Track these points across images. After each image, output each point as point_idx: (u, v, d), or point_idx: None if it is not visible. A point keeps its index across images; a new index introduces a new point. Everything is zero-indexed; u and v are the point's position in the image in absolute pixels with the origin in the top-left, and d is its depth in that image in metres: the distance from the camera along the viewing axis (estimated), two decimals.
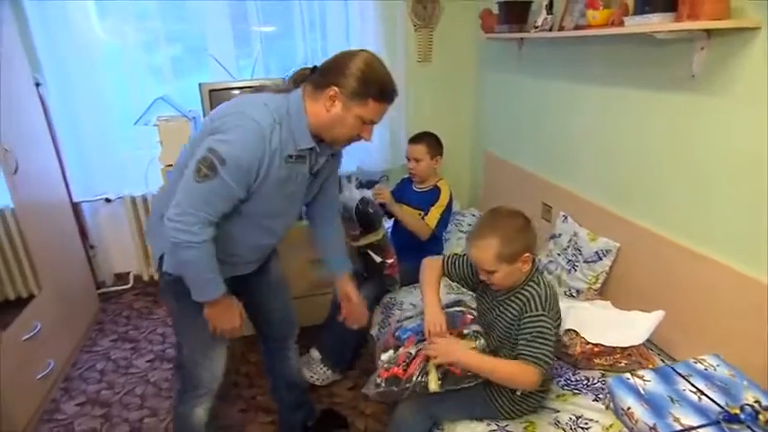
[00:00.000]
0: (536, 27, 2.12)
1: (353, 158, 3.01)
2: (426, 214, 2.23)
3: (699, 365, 0.98)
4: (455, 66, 3.07)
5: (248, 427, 1.99)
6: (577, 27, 1.87)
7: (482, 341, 1.44)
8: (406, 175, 2.47)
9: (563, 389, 1.55)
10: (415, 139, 2.32)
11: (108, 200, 2.82)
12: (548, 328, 1.27)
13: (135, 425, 2.01)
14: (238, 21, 2.71)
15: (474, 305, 1.62)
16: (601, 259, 1.93)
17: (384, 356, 1.51)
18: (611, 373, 1.58)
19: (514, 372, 1.26)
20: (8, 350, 1.87)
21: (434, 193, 2.30)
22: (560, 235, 2.17)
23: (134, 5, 2.55)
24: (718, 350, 1.39)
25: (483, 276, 1.37)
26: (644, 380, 0.95)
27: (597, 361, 1.59)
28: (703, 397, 0.89)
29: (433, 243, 2.31)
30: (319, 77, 1.25)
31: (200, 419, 1.53)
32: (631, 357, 1.57)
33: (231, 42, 2.70)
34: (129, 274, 3.11)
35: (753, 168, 1.38)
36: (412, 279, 2.25)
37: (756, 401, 0.92)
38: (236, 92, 2.27)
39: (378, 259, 2.09)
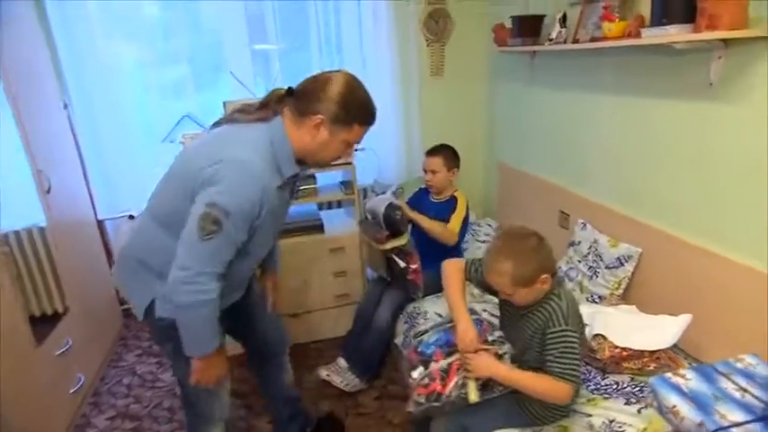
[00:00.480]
0: (550, 40, 2.18)
1: (370, 172, 3.06)
2: (445, 222, 2.26)
3: (738, 364, 1.00)
4: (467, 79, 3.13)
5: None
6: (593, 39, 1.92)
7: (507, 345, 1.45)
8: (423, 186, 2.51)
9: (593, 393, 1.57)
10: (432, 152, 2.37)
11: (131, 217, 2.86)
12: (573, 341, 1.29)
13: None
14: (255, 39, 2.79)
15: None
16: (623, 265, 1.96)
17: (415, 374, 1.50)
18: (640, 377, 1.60)
19: (549, 388, 1.28)
20: (43, 365, 1.92)
21: (452, 202, 2.33)
22: (580, 242, 2.20)
23: (153, 25, 2.63)
24: (745, 352, 1.41)
25: (503, 296, 1.39)
26: (686, 378, 0.97)
27: (626, 365, 1.61)
28: (746, 394, 0.91)
29: (454, 253, 2.34)
30: (299, 103, 1.23)
31: None
32: (660, 361, 1.59)
33: (249, 59, 2.78)
34: None
35: None
36: (434, 288, 2.29)
37: None
38: None
39: (402, 264, 2.12)
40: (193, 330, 1.24)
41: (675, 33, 1.46)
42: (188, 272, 1.15)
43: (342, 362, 2.20)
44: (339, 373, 2.17)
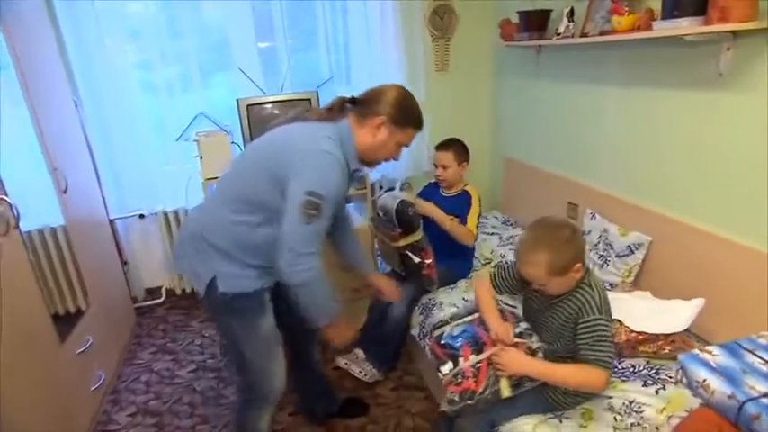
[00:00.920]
0: (558, 34, 2.22)
1: (377, 167, 3.08)
2: (460, 219, 2.29)
3: (761, 340, 1.05)
4: (472, 74, 3.17)
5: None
6: (602, 33, 1.96)
7: (536, 336, 1.47)
8: (432, 180, 2.54)
9: (611, 377, 1.62)
10: (442, 146, 2.39)
11: (142, 215, 2.89)
12: (606, 329, 1.33)
13: None
14: (262, 37, 2.81)
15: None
16: (633, 252, 2.01)
17: (444, 369, 1.50)
18: (655, 360, 1.65)
19: (586, 377, 1.31)
20: (66, 363, 1.94)
21: (463, 196, 2.36)
22: (589, 232, 2.25)
23: (160, 24, 2.64)
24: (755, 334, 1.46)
25: (536, 287, 1.41)
26: (713, 354, 1.01)
27: (642, 348, 1.66)
28: None
29: (465, 247, 2.38)
30: (361, 108, 1.43)
31: (265, 430, 1.62)
32: (674, 344, 1.64)
33: (256, 57, 2.79)
34: (160, 288, 3.17)
35: None
36: (447, 280, 2.33)
37: None
38: (269, 106, 2.36)
39: (416, 260, 2.15)
40: (314, 303, 1.45)
41: (687, 26, 1.51)
42: (295, 253, 1.31)
43: (359, 352, 2.24)
44: (357, 363, 2.21)
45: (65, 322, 2.10)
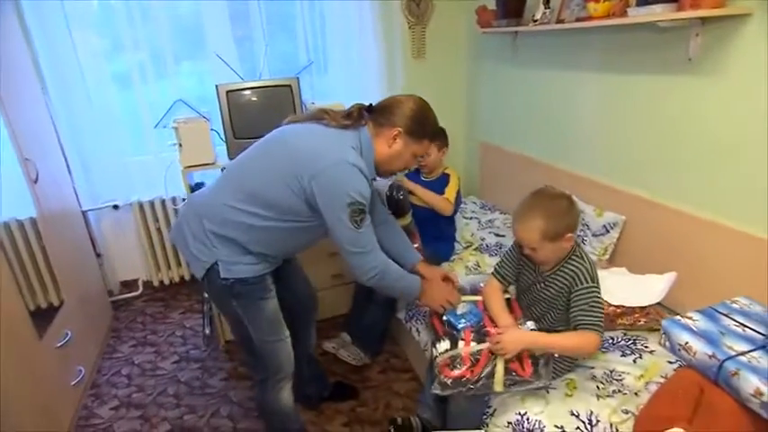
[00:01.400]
0: (534, 21, 2.27)
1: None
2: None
3: (735, 305, 1.13)
4: (448, 61, 3.20)
5: None
6: (578, 20, 2.02)
7: (529, 323, 1.50)
8: (415, 167, 2.57)
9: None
10: None
11: (116, 206, 2.80)
12: (598, 296, 1.40)
13: (175, 422, 2.04)
14: (237, 21, 2.74)
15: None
16: (608, 232, 2.10)
17: (440, 346, 1.50)
18: (631, 331, 1.75)
19: (581, 341, 1.39)
20: (46, 358, 1.88)
21: (444, 179, 2.41)
22: None
23: (131, 8, 2.55)
24: None
25: (527, 252, 1.47)
26: (693, 320, 1.09)
27: (619, 321, 1.74)
28: (746, 329, 1.03)
29: (448, 226, 2.43)
30: (379, 117, 1.44)
31: (288, 402, 1.66)
32: (649, 315, 1.73)
33: (231, 42, 2.73)
34: (136, 281, 3.09)
35: (748, 138, 1.56)
36: (431, 263, 2.37)
37: None
38: (248, 92, 2.32)
39: None
40: (395, 289, 1.58)
41: (661, 12, 1.57)
42: (363, 251, 1.40)
43: (345, 336, 2.26)
44: (345, 347, 2.23)
45: (39, 317, 2.03)
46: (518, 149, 2.81)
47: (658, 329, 1.53)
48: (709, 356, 1.00)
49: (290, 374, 1.64)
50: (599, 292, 1.41)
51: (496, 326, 1.53)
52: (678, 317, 1.14)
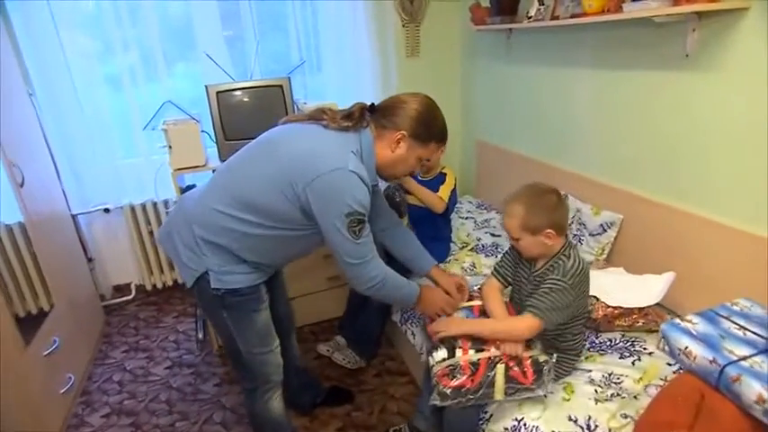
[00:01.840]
0: (528, 18, 2.24)
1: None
2: None
3: (735, 307, 1.10)
4: (442, 59, 3.16)
5: None
6: (572, 16, 1.98)
7: (540, 345, 1.45)
8: None
9: (589, 351, 1.67)
10: None
11: (107, 210, 2.76)
12: (560, 290, 1.34)
13: (167, 430, 2.00)
14: (228, 20, 2.70)
15: None
16: (606, 231, 2.07)
17: (437, 355, 1.44)
18: (630, 332, 1.71)
19: (511, 323, 1.41)
20: (33, 366, 1.84)
21: (441, 178, 2.37)
22: None
23: (119, 10, 2.50)
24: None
25: (512, 242, 1.48)
26: (692, 323, 1.05)
27: (618, 323, 1.71)
28: (747, 332, 1.00)
29: (444, 227, 2.40)
30: (382, 118, 1.36)
31: (278, 410, 1.61)
32: (648, 317, 1.70)
33: (222, 42, 2.68)
34: (129, 285, 3.05)
35: (747, 134, 1.53)
36: None
37: None
38: (239, 92, 2.28)
39: None
40: (394, 297, 1.52)
41: (656, 7, 1.54)
42: (361, 262, 1.34)
43: (340, 339, 2.23)
44: (340, 350, 2.20)
45: (28, 324, 1.99)
46: (514, 148, 2.78)
47: (657, 331, 1.50)
48: (710, 361, 0.97)
49: (279, 383, 1.60)
50: (562, 286, 1.35)
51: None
52: (677, 320, 1.10)
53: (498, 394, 1.36)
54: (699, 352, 0.99)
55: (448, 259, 2.39)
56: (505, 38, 2.63)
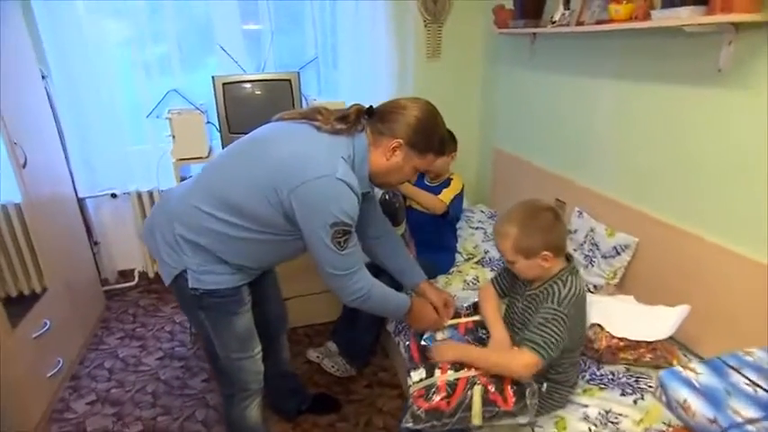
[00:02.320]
0: (553, 22, 2.11)
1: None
2: None
3: (748, 357, 0.97)
4: (464, 62, 3.06)
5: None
6: (598, 22, 1.86)
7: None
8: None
9: (588, 383, 1.54)
10: None
11: (114, 195, 2.76)
12: (558, 320, 1.24)
13: (148, 423, 1.97)
14: (247, 16, 2.66)
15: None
16: (619, 254, 1.93)
17: (414, 375, 1.35)
18: (635, 367, 1.58)
19: (508, 359, 1.28)
20: (19, 348, 1.83)
21: (446, 182, 2.28)
22: (576, 231, 2.16)
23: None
24: (742, 344, 1.39)
25: (507, 264, 1.38)
26: (696, 372, 0.93)
27: (622, 355, 1.58)
28: (758, 389, 0.88)
29: (449, 235, 2.30)
30: (379, 124, 1.28)
31: (255, 419, 1.55)
32: (656, 352, 1.56)
33: (240, 37, 2.65)
34: (133, 271, 3.05)
35: None
36: (429, 274, 2.24)
37: None
38: (247, 85, 2.23)
39: None
40: (382, 309, 1.45)
41: (687, 16, 1.40)
42: (346, 274, 1.27)
43: (332, 345, 2.15)
44: (330, 357, 2.13)
45: (19, 305, 1.99)
46: (531, 158, 2.65)
47: (666, 367, 1.37)
48: (710, 421, 0.85)
49: (259, 391, 1.54)
50: (560, 317, 1.25)
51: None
52: (679, 368, 0.98)
53: (476, 419, 1.25)
54: (699, 408, 0.87)
55: (451, 271, 2.29)
56: (529, 42, 2.50)
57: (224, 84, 2.14)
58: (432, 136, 1.28)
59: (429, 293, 1.58)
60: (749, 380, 0.90)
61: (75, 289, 2.37)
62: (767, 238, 1.44)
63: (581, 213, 2.17)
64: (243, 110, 2.18)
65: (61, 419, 1.99)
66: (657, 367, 1.56)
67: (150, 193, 2.81)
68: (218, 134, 2.27)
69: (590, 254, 2.05)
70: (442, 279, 2.22)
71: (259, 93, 2.20)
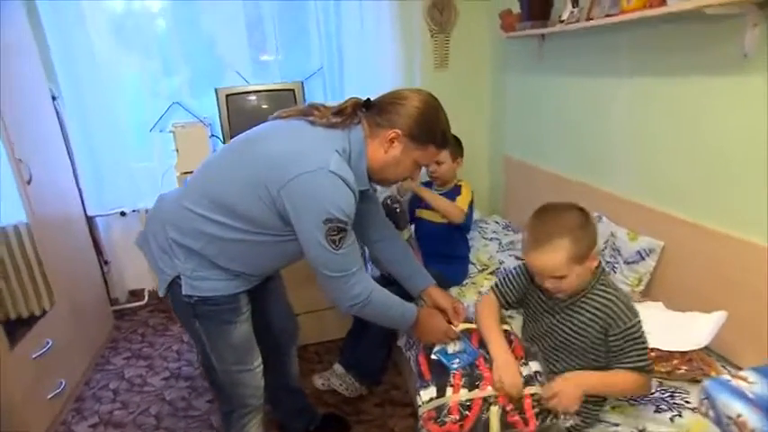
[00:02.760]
0: (561, 21, 2.02)
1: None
2: None
3: None
4: (472, 70, 2.97)
5: None
6: (608, 16, 1.75)
7: (532, 364, 1.23)
8: (426, 180, 2.34)
9: (617, 399, 1.38)
10: None
11: (123, 213, 2.72)
12: (642, 331, 1.19)
13: None
14: (253, 35, 2.63)
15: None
16: (643, 259, 1.78)
17: (424, 395, 1.21)
18: (669, 381, 1.41)
19: (635, 385, 1.19)
20: (17, 368, 1.75)
21: (456, 189, 2.16)
22: None
23: (151, 26, 2.48)
24: None
25: (549, 285, 1.18)
26: (748, 382, 0.79)
27: (654, 368, 1.41)
28: None
29: (461, 245, 2.18)
30: (377, 115, 1.19)
31: None
32: (692, 363, 1.40)
33: (247, 50, 2.62)
34: (143, 290, 2.98)
35: None
36: (441, 284, 2.10)
37: None
38: (253, 96, 2.18)
39: None
40: (385, 317, 1.31)
41: None
42: (342, 276, 1.17)
43: (338, 368, 2.01)
44: (338, 377, 1.99)
45: (27, 325, 1.92)
46: (544, 164, 2.52)
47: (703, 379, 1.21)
48: None
49: (259, 408, 1.42)
50: (641, 327, 1.18)
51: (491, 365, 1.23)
52: (727, 377, 0.83)
53: None
54: (757, 424, 0.72)
55: (465, 282, 2.16)
56: (537, 46, 2.41)
57: (227, 95, 2.09)
58: (433, 127, 1.20)
59: (438, 299, 1.46)
60: None
61: (81, 309, 2.30)
62: None
63: (600, 218, 2.02)
64: (247, 121, 2.08)
65: None
66: (694, 380, 1.40)
67: None
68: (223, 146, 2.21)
69: (612, 260, 1.90)
70: (454, 290, 2.08)
71: (263, 103, 2.14)
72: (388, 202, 1.89)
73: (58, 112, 2.41)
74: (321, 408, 1.94)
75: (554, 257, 1.12)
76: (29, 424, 1.77)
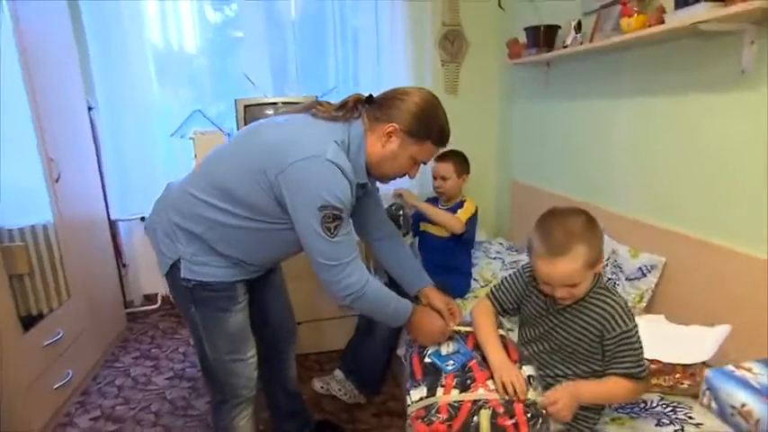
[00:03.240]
0: (565, 47, 2.03)
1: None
2: None
3: None
4: (481, 97, 3.00)
5: None
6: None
7: (526, 368, 1.15)
8: (431, 196, 2.32)
9: (617, 412, 1.29)
10: (442, 157, 2.18)
11: (143, 219, 2.74)
12: (639, 337, 1.12)
13: None
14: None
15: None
16: (645, 275, 1.70)
17: (414, 394, 1.15)
18: (671, 396, 1.32)
19: (627, 392, 1.12)
20: (28, 353, 1.73)
21: (461, 205, 2.13)
22: None
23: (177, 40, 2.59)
24: None
25: (562, 293, 1.10)
26: (753, 372, 0.72)
27: (655, 381, 1.33)
28: None
29: (464, 259, 2.13)
30: (377, 110, 1.18)
31: (245, 431, 1.37)
32: (695, 378, 1.30)
33: (269, 78, 2.69)
34: (157, 294, 2.98)
35: None
36: None
37: None
38: (269, 108, 2.22)
39: None
40: (379, 311, 1.25)
41: (705, 11, 1.28)
42: (337, 265, 1.13)
43: (339, 374, 1.94)
44: (338, 382, 1.92)
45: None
46: (549, 186, 2.49)
47: None
48: None
49: (251, 400, 1.36)
50: (638, 332, 1.11)
51: (485, 367, 1.17)
52: (730, 367, 0.76)
53: None
54: (762, 413, 0.65)
55: (467, 296, 2.09)
56: (543, 73, 2.42)
57: (245, 106, 2.13)
58: (431, 123, 1.18)
59: (433, 299, 1.40)
60: None
61: (95, 307, 2.29)
62: None
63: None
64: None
65: None
66: (696, 396, 1.30)
67: None
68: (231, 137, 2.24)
69: (613, 277, 1.83)
70: (457, 303, 2.01)
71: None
72: (393, 209, 1.87)
73: (92, 121, 2.49)
74: (318, 414, 1.87)
75: (572, 265, 1.06)
76: (32, 410, 1.74)
